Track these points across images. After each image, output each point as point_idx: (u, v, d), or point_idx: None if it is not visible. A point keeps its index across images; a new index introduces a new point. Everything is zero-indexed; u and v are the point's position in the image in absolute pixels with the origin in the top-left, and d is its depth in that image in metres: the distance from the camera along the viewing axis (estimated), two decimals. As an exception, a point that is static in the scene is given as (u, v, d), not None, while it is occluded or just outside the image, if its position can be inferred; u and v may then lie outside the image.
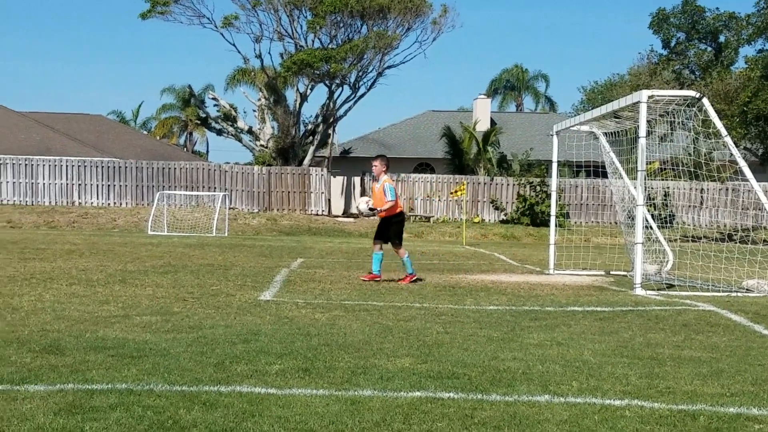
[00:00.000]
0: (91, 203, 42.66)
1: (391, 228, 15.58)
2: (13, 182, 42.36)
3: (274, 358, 7.77)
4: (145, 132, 78.44)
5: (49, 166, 42.91)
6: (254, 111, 47.94)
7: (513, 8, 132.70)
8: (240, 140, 48.55)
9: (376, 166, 15.95)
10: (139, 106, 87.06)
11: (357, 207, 16.17)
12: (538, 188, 41.84)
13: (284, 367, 7.40)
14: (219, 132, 48.96)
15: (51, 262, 17.62)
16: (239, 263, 18.94)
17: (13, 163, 42.70)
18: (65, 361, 7.36)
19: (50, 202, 42.54)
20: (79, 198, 42.73)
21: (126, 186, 42.83)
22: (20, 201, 42.38)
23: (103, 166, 43.02)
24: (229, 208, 39.72)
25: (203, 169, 44.04)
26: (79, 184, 42.76)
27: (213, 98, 49.66)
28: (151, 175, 43.05)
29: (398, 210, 15.66)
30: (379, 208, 15.51)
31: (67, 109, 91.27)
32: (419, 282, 15.52)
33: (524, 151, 48.48)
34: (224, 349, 8.09)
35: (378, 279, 15.56)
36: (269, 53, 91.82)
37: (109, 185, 42.81)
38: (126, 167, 43.12)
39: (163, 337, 8.66)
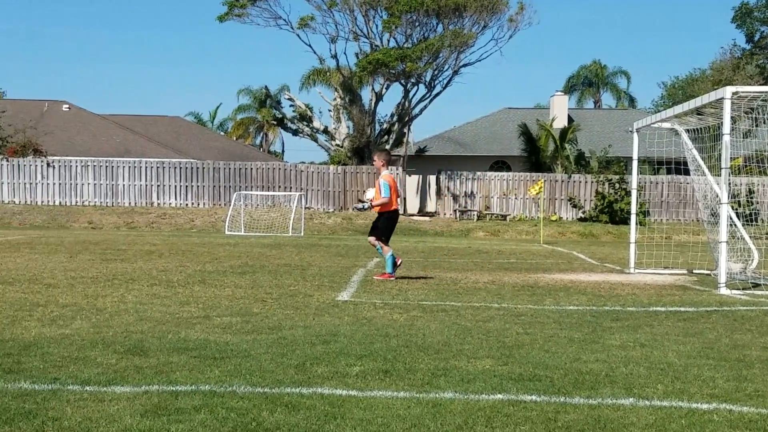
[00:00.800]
0: (170, 204, 43.21)
1: (380, 222, 15.44)
2: (94, 184, 43.09)
3: (354, 359, 7.75)
4: (222, 133, 79.23)
5: (129, 167, 43.57)
6: (329, 111, 48.13)
7: (591, 4, 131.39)
8: (315, 140, 48.78)
9: (375, 161, 15.90)
10: (217, 107, 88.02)
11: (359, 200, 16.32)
12: (617, 185, 41.35)
13: (364, 368, 7.38)
14: (295, 132, 49.26)
15: (132, 263, 17.87)
16: (316, 263, 19.01)
17: (94, 165, 43.43)
18: (149, 362, 7.44)
19: (130, 203, 43.18)
20: (157, 199, 43.31)
21: (203, 187, 43.30)
22: (101, 202, 43.09)
23: (181, 168, 43.55)
24: (305, 208, 39.91)
25: (279, 169, 44.34)
26: (158, 185, 43.33)
27: (289, 98, 49.97)
28: (228, 175, 43.46)
29: (392, 207, 15.45)
30: (370, 203, 15.51)
31: (146, 112, 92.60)
32: (392, 280, 15.19)
33: (602, 148, 47.94)
34: (304, 351, 8.10)
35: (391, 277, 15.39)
36: (344, 53, 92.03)
37: (186, 186, 43.31)
38: (203, 168, 43.59)
39: (243, 338, 8.71)
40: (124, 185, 43.30)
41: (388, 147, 46.17)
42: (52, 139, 50.30)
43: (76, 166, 43.40)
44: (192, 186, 43.29)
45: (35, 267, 16.33)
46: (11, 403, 5.97)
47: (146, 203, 43.18)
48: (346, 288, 13.83)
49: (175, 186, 43.31)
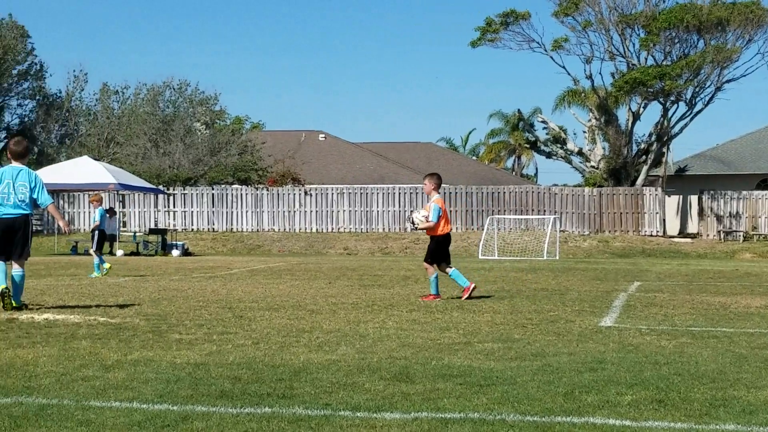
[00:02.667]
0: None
1: (431, 245, 15.46)
2: (350, 210, 44.23)
3: (625, 387, 7.45)
4: (474, 158, 79.65)
5: (383, 194, 44.46)
6: (584, 132, 47.49)
7: None
8: (570, 162, 48.21)
9: (425, 185, 15.72)
10: (469, 132, 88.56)
11: (411, 215, 16.07)
12: None
13: (636, 397, 7.07)
14: (548, 155, 48.89)
15: (389, 289, 18.09)
16: (574, 287, 18.63)
17: (350, 192, 44.60)
18: (416, 388, 7.41)
19: (384, 229, 44.00)
20: (411, 224, 43.92)
21: (456, 211, 43.59)
22: (356, 228, 44.15)
23: (434, 193, 43.98)
24: (560, 231, 39.42)
25: (532, 192, 44.07)
26: (412, 211, 43.91)
27: (542, 121, 49.68)
28: (481, 199, 43.59)
29: (442, 232, 15.36)
30: (419, 225, 15.45)
31: (399, 139, 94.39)
32: (439, 300, 15.08)
33: None
34: (571, 378, 7.86)
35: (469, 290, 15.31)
36: (600, 73, 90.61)
37: (440, 211, 43.69)
38: (456, 193, 43.90)
39: (507, 365, 8.56)
40: (378, 211, 44.21)
41: (645, 167, 45.05)
42: (309, 168, 52.12)
43: (332, 193, 44.72)
44: (445, 211, 43.68)
45: (297, 293, 16.80)
46: (287, 427, 6.07)
47: (399, 228, 43.90)
48: (608, 313, 13.43)
49: (429, 211, 43.80)
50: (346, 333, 10.87)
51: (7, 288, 12.63)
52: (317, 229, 44.52)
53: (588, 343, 10.08)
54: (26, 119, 53.68)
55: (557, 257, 34.87)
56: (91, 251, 22.63)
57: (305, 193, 45.02)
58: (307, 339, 10.29)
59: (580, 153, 47.37)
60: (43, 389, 7.21)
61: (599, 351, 9.50)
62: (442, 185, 19.26)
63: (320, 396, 7.10)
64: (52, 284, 18.33)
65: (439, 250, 15.57)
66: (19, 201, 12.71)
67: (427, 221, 15.45)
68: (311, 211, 44.72)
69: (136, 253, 36.44)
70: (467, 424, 6.20)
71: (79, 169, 36.40)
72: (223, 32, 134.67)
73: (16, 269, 12.86)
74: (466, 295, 15.35)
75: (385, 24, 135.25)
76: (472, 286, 15.52)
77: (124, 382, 7.54)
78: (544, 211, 42.45)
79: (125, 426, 6.05)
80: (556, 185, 48.08)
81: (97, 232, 22.59)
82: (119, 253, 35.97)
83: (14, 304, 12.69)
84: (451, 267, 15.64)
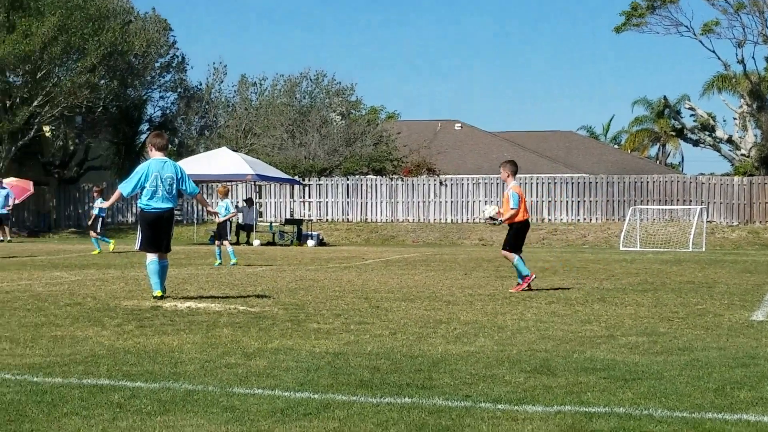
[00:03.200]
0: (561, 220, 43.19)
1: (510, 233, 15.20)
2: (485, 201, 43.95)
3: (780, 384, 7.14)
4: (615, 146, 78.23)
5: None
6: (734, 119, 46.15)
7: None
8: (718, 150, 46.95)
9: (501, 172, 15.47)
10: (610, 120, 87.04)
11: (483, 212, 15.67)
12: None
13: (792, 395, 6.76)
14: (695, 143, 47.70)
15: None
16: (722, 280, 18.06)
17: (485, 183, 44.35)
18: (558, 381, 7.25)
19: (522, 220, 43.56)
20: (548, 215, 43.42)
21: (596, 202, 42.87)
22: (493, 219, 43.82)
23: (572, 183, 43.40)
24: (706, 222, 38.38)
25: (678, 181, 43.00)
26: (549, 201, 43.46)
27: (689, 108, 48.52)
28: (622, 189, 42.75)
29: (521, 219, 15.34)
30: (500, 218, 15.36)
31: (537, 127, 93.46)
32: (531, 291, 14.63)
33: None
34: (722, 374, 7.57)
35: (529, 280, 15.08)
36: (752, 57, 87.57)
37: (578, 201, 43.08)
38: (596, 182, 43.18)
39: (653, 359, 8.30)
40: (514, 202, 43.78)
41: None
42: (444, 158, 52.03)
43: (468, 183, 44.52)
44: (584, 201, 43.01)
45: (433, 284, 16.73)
46: (428, 418, 6.00)
47: (537, 219, 43.43)
48: (759, 307, 12.94)
49: (567, 201, 43.23)
50: (483, 324, 10.75)
51: (162, 295, 12.83)
52: (452, 220, 44.41)
53: (739, 338, 9.72)
54: (168, 111, 55.04)
55: (703, 249, 33.97)
56: (225, 242, 22.89)
57: (440, 183, 44.94)
58: (445, 330, 10.21)
59: (729, 141, 46.05)
60: (188, 375, 7.32)
61: (751, 346, 9.15)
62: (581, 174, 18.95)
63: (460, 387, 7.01)
64: (193, 273, 18.72)
65: (518, 237, 15.51)
66: (167, 194, 12.86)
67: (504, 211, 15.47)
68: (446, 202, 44.62)
69: (272, 243, 36.99)
70: (612, 418, 6.02)
71: (218, 161, 37.14)
72: (359, 22, 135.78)
73: (163, 260, 13.03)
74: (524, 286, 15.09)
75: (524, 10, 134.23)
76: (533, 276, 15.30)
77: (266, 370, 7.59)
78: (690, 201, 41.34)
79: (268, 413, 6.07)
80: (702, 174, 46.77)
81: (228, 223, 22.95)
82: (256, 243, 36.59)
83: (158, 293, 12.87)
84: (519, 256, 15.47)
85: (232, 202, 24.77)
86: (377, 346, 8.97)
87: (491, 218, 16.16)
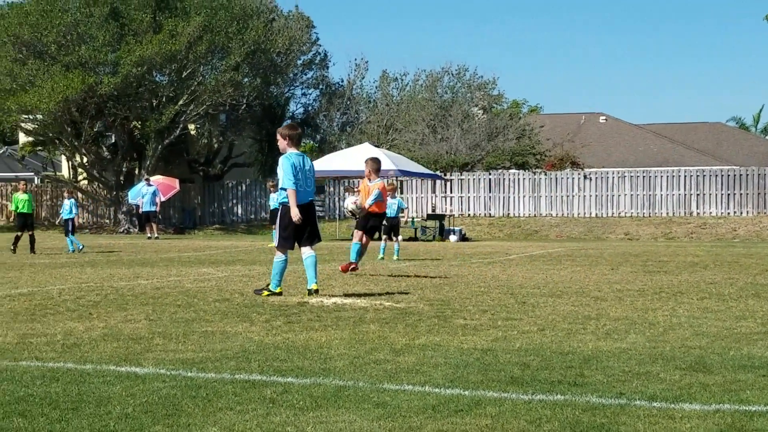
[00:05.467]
0: (710, 213, 42.05)
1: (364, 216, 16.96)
2: (631, 194, 43.14)
3: None
4: (767, 137, 75.71)
5: (667, 177, 43.08)
6: None
7: None
8: None
9: (365, 169, 17.27)
10: (760, 110, 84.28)
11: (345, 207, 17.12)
12: None
13: None
14: None
15: (676, 276, 17.41)
16: None
17: (631, 176, 43.51)
18: (715, 379, 7.02)
19: (667, 213, 42.65)
20: (697, 208, 42.35)
21: (747, 195, 41.60)
22: (637, 213, 43.00)
23: (722, 175, 42.23)
24: None
25: None
26: (697, 194, 42.37)
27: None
28: (773, 182, 41.36)
29: (379, 211, 17.31)
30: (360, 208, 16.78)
31: (684, 119, 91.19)
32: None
33: None
34: None
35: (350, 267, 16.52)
36: None
37: (728, 194, 41.88)
38: (747, 175, 41.90)
39: (815, 358, 7.97)
40: (661, 195, 42.89)
41: None
42: (588, 151, 51.28)
43: (613, 177, 43.76)
44: (734, 194, 41.77)
45: (579, 279, 16.47)
46: (582, 416, 5.88)
47: (684, 213, 42.41)
48: None
49: (716, 195, 42.07)
50: (634, 321, 10.52)
51: (317, 289, 12.90)
52: (596, 214, 43.71)
53: None
54: (310, 108, 55.75)
55: None
56: (397, 238, 23.61)
57: (584, 176, 44.31)
58: (594, 326, 10.02)
59: None
60: (338, 371, 7.36)
61: None
62: (731, 166, 18.42)
63: (613, 385, 6.86)
64: (337, 269, 18.87)
65: (367, 221, 17.12)
66: (310, 187, 12.96)
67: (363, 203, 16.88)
68: (591, 196, 43.94)
69: (414, 239, 37.08)
70: (777, 419, 5.79)
71: (360, 156, 37.39)
72: (500, 15, 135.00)
73: (310, 253, 12.99)
74: (346, 268, 16.62)
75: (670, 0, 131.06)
76: (355, 267, 16.58)
77: (415, 366, 7.57)
78: None
79: (419, 409, 6.05)
80: None
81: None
82: (399, 238, 36.67)
83: (314, 287, 12.84)
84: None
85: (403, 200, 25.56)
86: (526, 342, 8.86)
87: (351, 212, 17.01)
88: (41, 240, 30.50)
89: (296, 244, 12.86)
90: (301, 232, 12.76)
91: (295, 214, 12.41)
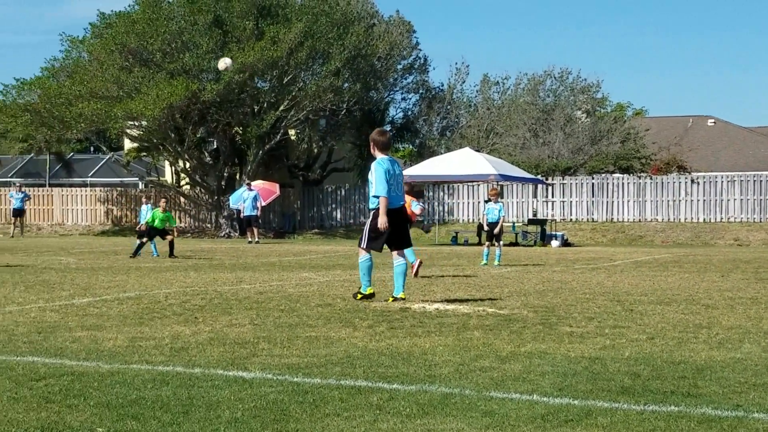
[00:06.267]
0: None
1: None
2: (741, 199, 42.09)
3: None
4: None
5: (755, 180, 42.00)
6: None
7: None
8: None
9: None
10: None
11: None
12: None
13: None
14: None
15: (790, 282, 16.90)
16: None
17: (741, 180, 42.47)
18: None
19: (778, 219, 41.56)
20: (812, 213, 41.19)
21: None
22: (747, 218, 41.94)
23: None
24: None
25: None
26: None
27: None
28: None
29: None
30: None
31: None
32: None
33: None
34: None
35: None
36: None
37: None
38: None
39: None
40: (773, 200, 41.79)
41: None
42: (696, 155, 50.30)
43: (722, 181, 42.77)
44: None
45: (688, 286, 16.09)
46: (697, 428, 5.73)
47: (799, 219, 41.26)
48: None
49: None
50: (748, 330, 10.21)
51: (403, 298, 12.86)
52: (704, 219, 42.74)
53: None
54: (409, 113, 55.74)
55: None
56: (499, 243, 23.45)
57: (692, 181, 43.38)
58: (706, 335, 9.76)
59: None
60: (443, 378, 7.27)
61: None
62: None
63: (729, 396, 6.64)
64: (437, 274, 18.80)
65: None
66: (401, 192, 12.97)
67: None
68: (698, 200, 43.00)
69: (515, 244, 36.75)
70: None
71: (461, 161, 37.28)
72: (604, 16, 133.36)
73: (401, 260, 13.01)
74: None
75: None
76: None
77: (521, 374, 7.44)
78: None
79: (528, 418, 5.93)
80: None
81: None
82: (500, 243, 36.39)
83: (402, 295, 12.87)
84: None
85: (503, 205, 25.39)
86: (635, 351, 8.66)
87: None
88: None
89: (386, 247, 12.89)
90: (392, 235, 12.74)
91: (383, 222, 12.45)
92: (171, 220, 26.43)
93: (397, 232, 12.77)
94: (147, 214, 27.58)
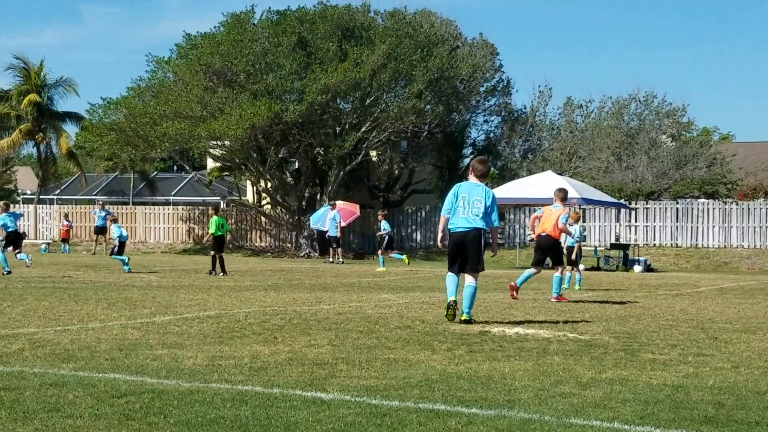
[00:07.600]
0: None
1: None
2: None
3: None
4: None
5: None
6: None
7: None
8: None
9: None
10: None
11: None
12: None
13: None
14: None
15: None
16: None
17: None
18: None
19: None
20: None
21: None
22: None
23: None
24: None
25: None
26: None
27: None
28: None
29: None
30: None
31: None
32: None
33: None
34: None
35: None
36: None
37: None
38: None
39: None
40: None
41: None
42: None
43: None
44: None
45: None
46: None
47: None
48: None
49: None
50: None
51: (455, 300, 12.91)
52: (790, 246, 41.85)
53: None
54: (491, 135, 55.57)
55: None
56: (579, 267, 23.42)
57: (783, 206, 42.54)
58: (792, 365, 9.51)
59: None
60: (523, 403, 7.19)
61: None
62: None
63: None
64: (520, 298, 18.63)
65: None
66: (473, 215, 12.97)
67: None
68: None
69: (597, 268, 36.33)
70: None
71: (543, 184, 36.97)
72: (690, 40, 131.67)
73: (469, 281, 13.04)
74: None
75: None
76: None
77: (602, 401, 7.33)
78: None
79: (609, 448, 5.83)
80: None
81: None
82: (580, 267, 36.04)
83: (463, 317, 12.89)
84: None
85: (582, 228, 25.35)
86: (719, 380, 8.48)
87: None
88: (227, 263, 31.36)
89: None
90: (461, 258, 12.91)
91: (438, 240, 13.80)
92: (225, 225, 27.64)
93: (465, 255, 12.97)
94: (117, 231, 28.06)
